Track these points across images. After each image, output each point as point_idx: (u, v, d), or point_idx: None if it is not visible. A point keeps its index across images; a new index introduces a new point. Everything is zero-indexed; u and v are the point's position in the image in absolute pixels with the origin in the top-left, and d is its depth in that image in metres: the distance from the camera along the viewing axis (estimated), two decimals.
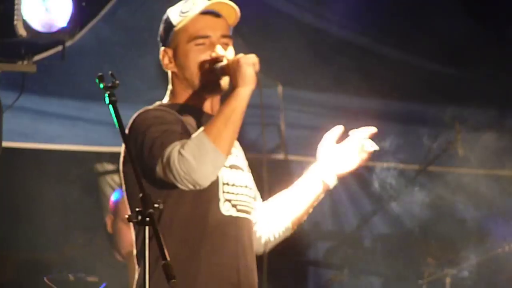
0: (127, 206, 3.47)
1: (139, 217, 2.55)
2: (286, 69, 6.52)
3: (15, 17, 4.75)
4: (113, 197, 5.04)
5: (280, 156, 6.08)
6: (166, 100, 3.21)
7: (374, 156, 6.28)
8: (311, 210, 3.44)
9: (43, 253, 5.66)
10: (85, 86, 5.07)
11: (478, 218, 6.34)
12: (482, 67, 6.41)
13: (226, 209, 3.04)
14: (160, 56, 3.14)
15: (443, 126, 6.12)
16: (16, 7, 4.76)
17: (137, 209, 2.62)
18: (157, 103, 3.20)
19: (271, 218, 3.49)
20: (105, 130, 5.32)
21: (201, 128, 2.99)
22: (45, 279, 4.86)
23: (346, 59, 6.33)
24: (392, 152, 5.94)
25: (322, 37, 6.53)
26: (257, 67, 3.04)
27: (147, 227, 2.58)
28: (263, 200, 3.42)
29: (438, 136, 6.02)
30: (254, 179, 3.39)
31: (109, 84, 2.81)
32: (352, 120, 5.90)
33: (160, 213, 2.80)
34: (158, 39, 3.24)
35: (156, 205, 2.61)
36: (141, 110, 3.14)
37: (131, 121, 3.13)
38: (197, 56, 3.07)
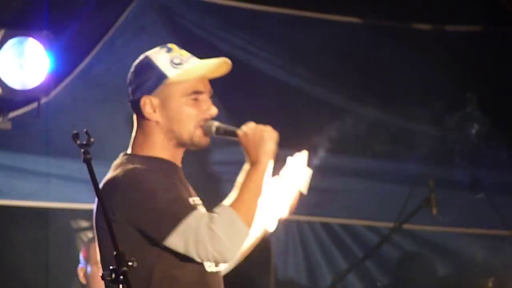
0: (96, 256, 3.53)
1: (113, 275, 2.54)
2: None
3: None
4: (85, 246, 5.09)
5: None
6: (136, 149, 3.17)
7: (348, 213, 6.29)
8: (248, 252, 3.47)
9: None
10: (60, 143, 5.08)
11: (451, 276, 6.41)
12: (454, 126, 6.34)
13: (208, 265, 3.04)
14: (141, 103, 3.07)
15: (417, 184, 6.08)
16: None
17: (111, 267, 2.60)
18: (127, 157, 3.15)
19: None
20: (79, 187, 5.30)
21: (227, 202, 2.99)
22: None
23: (319, 117, 6.32)
24: (366, 210, 6.10)
25: (295, 94, 6.55)
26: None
27: (120, 286, 2.57)
28: None
29: (412, 194, 5.98)
30: None
31: (84, 142, 2.79)
32: (324, 176, 5.97)
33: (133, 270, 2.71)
34: (133, 85, 3.22)
35: (130, 263, 2.59)
36: (128, 169, 3.09)
37: (117, 179, 3.08)
38: (191, 111, 3.07)
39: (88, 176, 2.76)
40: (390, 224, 6.02)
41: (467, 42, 6.86)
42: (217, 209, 2.95)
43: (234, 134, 3.07)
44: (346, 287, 6.19)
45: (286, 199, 3.42)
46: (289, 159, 3.43)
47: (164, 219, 2.92)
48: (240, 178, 3.07)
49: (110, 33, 5.77)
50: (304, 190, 3.41)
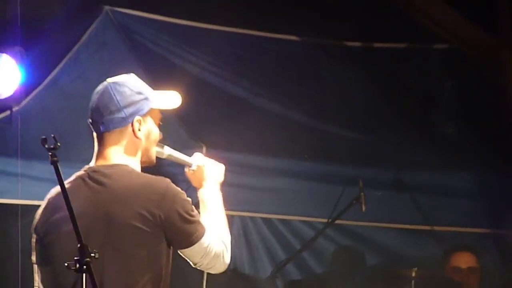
0: None
1: (77, 265, 2.75)
2: (209, 133, 6.88)
3: None
4: None
5: None
6: (130, 162, 3.32)
7: (287, 210, 6.65)
8: None
9: None
10: (30, 146, 5.13)
11: (379, 266, 6.73)
12: (381, 133, 6.72)
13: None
14: (134, 123, 3.25)
15: (348, 184, 6.39)
16: None
17: (75, 258, 2.80)
18: (130, 168, 3.30)
19: None
20: (47, 186, 5.25)
21: (214, 218, 3.31)
22: None
23: (261, 124, 6.50)
24: (303, 207, 6.43)
25: (240, 104, 6.76)
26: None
27: (84, 274, 2.78)
28: None
29: (344, 193, 6.31)
30: None
31: (52, 146, 2.95)
32: (266, 177, 6.26)
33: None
34: (118, 105, 3.34)
35: (92, 254, 2.81)
36: (163, 178, 3.30)
37: (164, 184, 3.28)
38: (157, 133, 3.33)
39: (55, 177, 3.01)
40: (324, 220, 6.33)
41: (392, 58, 7.10)
42: (216, 229, 3.27)
43: (186, 163, 3.39)
44: (284, 276, 6.46)
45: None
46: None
47: (193, 233, 3.16)
48: (207, 198, 3.38)
49: (75, 49, 5.86)
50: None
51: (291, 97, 6.68)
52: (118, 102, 3.24)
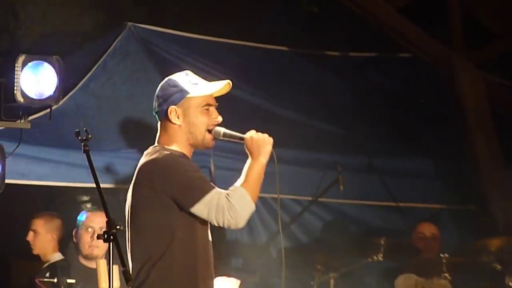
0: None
1: (105, 236, 2.88)
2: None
3: (15, 87, 4.92)
4: (78, 216, 5.20)
5: None
6: (163, 144, 3.31)
7: (280, 190, 6.36)
8: None
9: (35, 262, 5.69)
10: (66, 138, 5.21)
11: (355, 236, 6.81)
12: (356, 127, 6.86)
13: (210, 236, 3.38)
14: (169, 111, 3.27)
15: (329, 168, 6.45)
16: (16, 80, 4.93)
17: (104, 230, 2.95)
18: (159, 148, 3.29)
19: None
20: (81, 171, 5.41)
21: (239, 183, 3.25)
22: (36, 281, 5.08)
23: (256, 120, 6.08)
24: (292, 187, 6.25)
25: (238, 102, 6.19)
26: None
27: (111, 243, 2.91)
28: None
29: (325, 176, 6.40)
30: None
31: (84, 138, 3.14)
32: None
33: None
34: (161, 99, 3.39)
35: (118, 227, 2.96)
36: (165, 154, 3.30)
37: (157, 160, 3.28)
38: (203, 118, 3.28)
39: (87, 163, 3.19)
40: (309, 198, 6.49)
41: (365, 64, 7.32)
42: (231, 188, 3.20)
43: (240, 138, 3.33)
44: (277, 245, 6.46)
45: None
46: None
47: (193, 191, 3.16)
48: (245, 169, 3.33)
49: (103, 58, 5.97)
50: None
51: (283, 97, 6.85)
52: (160, 97, 3.33)
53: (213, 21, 7.37)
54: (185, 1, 7.47)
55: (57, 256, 5.39)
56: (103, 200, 3.14)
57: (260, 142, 3.31)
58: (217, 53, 6.64)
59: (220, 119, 3.37)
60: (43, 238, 5.44)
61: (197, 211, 3.17)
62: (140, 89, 6.36)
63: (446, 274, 6.03)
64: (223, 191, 3.23)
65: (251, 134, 3.37)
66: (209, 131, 3.29)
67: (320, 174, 6.49)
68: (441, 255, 6.06)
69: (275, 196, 6.31)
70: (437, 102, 7.24)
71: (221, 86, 3.38)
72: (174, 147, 3.30)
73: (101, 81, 5.94)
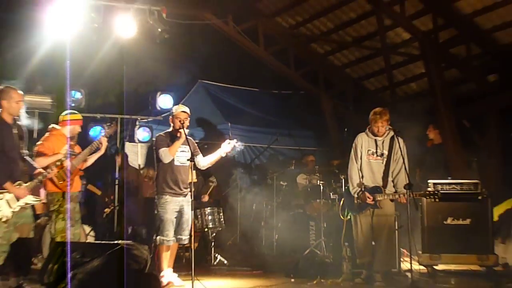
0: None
1: None
2: (235, 120, 11.06)
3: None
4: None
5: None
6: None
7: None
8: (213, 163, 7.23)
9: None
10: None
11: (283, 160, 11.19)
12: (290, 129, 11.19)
13: (177, 162, 6.78)
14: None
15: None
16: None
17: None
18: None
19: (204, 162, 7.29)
20: None
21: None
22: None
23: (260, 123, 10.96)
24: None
25: (255, 118, 11.37)
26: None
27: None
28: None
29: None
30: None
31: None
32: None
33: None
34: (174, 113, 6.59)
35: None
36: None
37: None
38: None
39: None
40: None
41: (285, 97, 12.30)
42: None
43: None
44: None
45: (224, 150, 7.05)
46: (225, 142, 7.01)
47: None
48: None
49: (186, 96, 10.58)
50: (227, 151, 6.95)
51: (268, 112, 11.45)
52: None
53: (254, 79, 11.80)
54: (238, 65, 11.86)
55: None
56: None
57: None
58: (258, 98, 11.90)
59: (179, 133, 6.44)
60: None
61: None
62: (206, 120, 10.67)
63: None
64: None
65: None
66: None
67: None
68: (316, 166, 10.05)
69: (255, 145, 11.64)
70: (318, 120, 11.98)
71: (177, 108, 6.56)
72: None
73: (186, 103, 8.80)
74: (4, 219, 6.03)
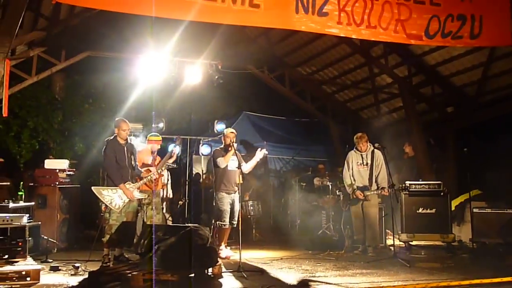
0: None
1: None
2: (266, 136, 10.48)
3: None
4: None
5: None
6: None
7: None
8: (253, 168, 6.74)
9: None
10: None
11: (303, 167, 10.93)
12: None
13: (230, 167, 6.21)
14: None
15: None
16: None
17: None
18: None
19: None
20: None
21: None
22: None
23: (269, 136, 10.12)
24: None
25: (269, 132, 10.77)
26: None
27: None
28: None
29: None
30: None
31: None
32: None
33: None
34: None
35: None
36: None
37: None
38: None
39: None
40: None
41: (305, 124, 11.73)
42: None
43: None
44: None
45: (258, 156, 6.67)
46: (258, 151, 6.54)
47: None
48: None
49: (234, 124, 9.47)
50: (260, 158, 6.51)
51: (292, 133, 11.05)
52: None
53: (282, 110, 11.43)
54: (270, 101, 11.50)
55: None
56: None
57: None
58: (284, 125, 11.51)
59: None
60: None
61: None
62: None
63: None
64: None
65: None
66: None
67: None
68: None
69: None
70: (323, 134, 11.31)
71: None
72: None
73: (237, 128, 7.57)
74: (117, 207, 6.05)
